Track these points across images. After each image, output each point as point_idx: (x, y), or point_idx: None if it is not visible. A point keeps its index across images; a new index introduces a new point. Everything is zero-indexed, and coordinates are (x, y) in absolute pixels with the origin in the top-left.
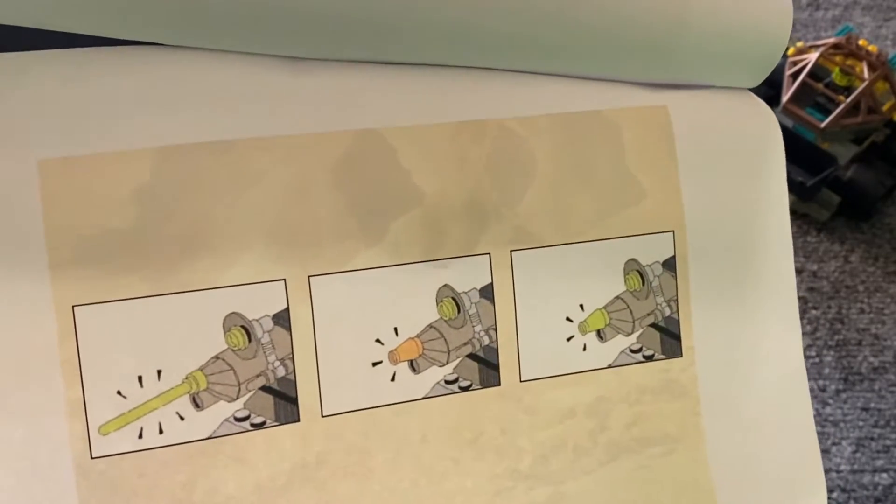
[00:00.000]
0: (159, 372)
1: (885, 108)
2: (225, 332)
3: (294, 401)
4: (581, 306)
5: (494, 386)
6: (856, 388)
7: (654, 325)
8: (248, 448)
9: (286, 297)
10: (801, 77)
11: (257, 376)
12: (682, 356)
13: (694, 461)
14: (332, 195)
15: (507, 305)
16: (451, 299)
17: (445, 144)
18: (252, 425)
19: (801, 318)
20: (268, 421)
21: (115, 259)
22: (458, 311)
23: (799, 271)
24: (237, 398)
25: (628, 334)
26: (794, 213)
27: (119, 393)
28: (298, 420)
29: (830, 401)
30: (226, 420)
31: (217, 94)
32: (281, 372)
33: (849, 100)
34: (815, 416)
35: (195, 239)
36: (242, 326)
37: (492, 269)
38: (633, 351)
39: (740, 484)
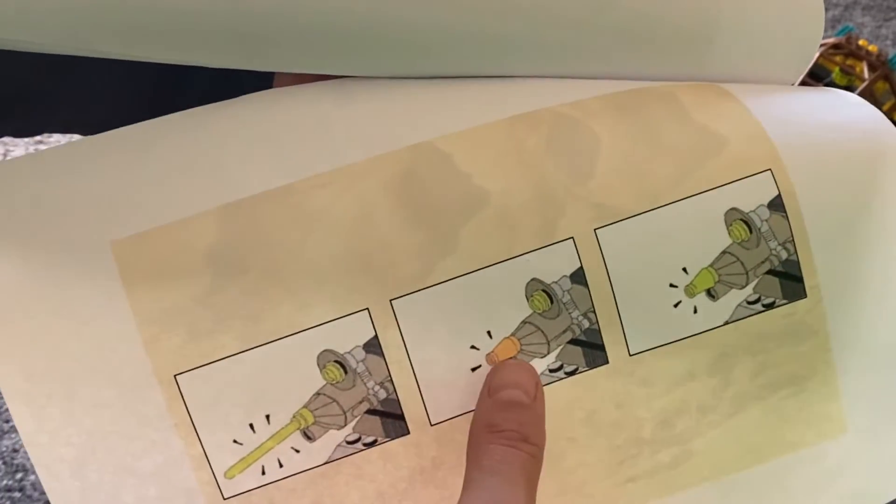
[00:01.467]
0: (268, 416)
1: (885, 108)
2: (321, 369)
3: (401, 417)
4: (685, 269)
5: (602, 365)
6: None
7: (771, 272)
8: (364, 465)
9: (372, 324)
10: (800, 77)
11: (360, 402)
12: (806, 297)
13: (825, 396)
14: (397, 215)
15: (602, 286)
16: (541, 292)
17: (501, 141)
18: (364, 445)
19: None
20: (379, 439)
21: (202, 322)
22: (552, 302)
23: None
24: (345, 425)
25: (742, 287)
26: None
27: (235, 441)
28: (408, 433)
29: None
30: (338, 445)
31: (265, 140)
32: (382, 395)
33: None
34: None
35: (273, 287)
36: (336, 361)
37: (578, 253)
38: (750, 303)
39: (872, 410)
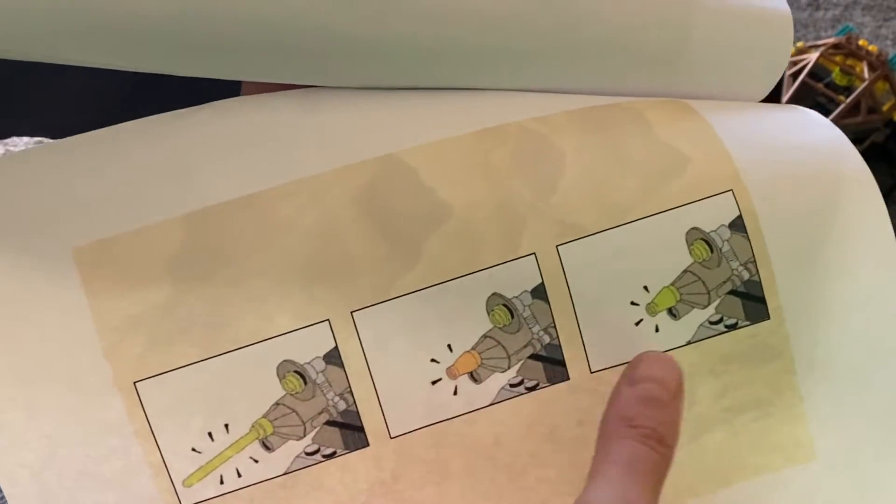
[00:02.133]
0: (227, 425)
1: (885, 108)
2: (281, 380)
3: (360, 429)
4: (646, 287)
5: (563, 381)
6: None
7: (733, 293)
8: (323, 476)
9: (333, 336)
10: (801, 77)
11: (319, 413)
12: (769, 318)
13: (790, 420)
14: (361, 227)
15: (563, 302)
16: (502, 306)
17: (466, 154)
18: (323, 456)
19: None
20: (338, 450)
21: (163, 330)
22: (512, 317)
23: None
24: (304, 436)
25: (704, 307)
26: None
27: (194, 449)
28: (368, 445)
29: None
30: (297, 456)
31: (231, 148)
32: (342, 406)
33: (849, 100)
34: None
35: (235, 297)
36: (296, 371)
37: (540, 268)
38: (712, 323)
39: (840, 434)
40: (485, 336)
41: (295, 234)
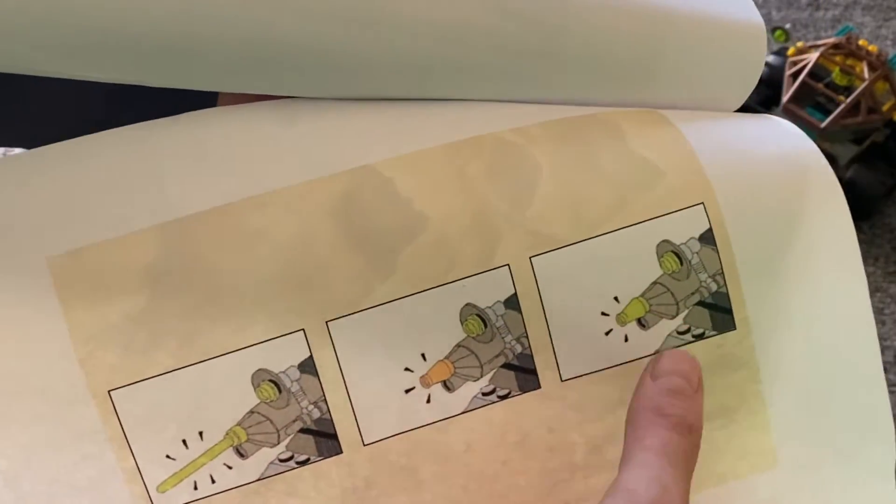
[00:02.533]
0: (201, 433)
1: (885, 108)
2: (255, 388)
3: (334, 436)
4: (616, 298)
5: (534, 390)
6: None
7: (701, 304)
8: (297, 483)
9: (307, 345)
10: (801, 77)
11: (294, 421)
12: (735, 329)
13: (755, 428)
14: (337, 238)
15: (535, 312)
16: (475, 316)
17: (442, 166)
18: (297, 463)
19: None
20: (311, 457)
21: (138, 339)
22: (486, 327)
23: None
24: (278, 443)
25: (673, 317)
26: None
27: (168, 456)
28: (341, 452)
29: None
30: (271, 463)
31: (206, 158)
32: (316, 414)
33: (849, 100)
34: None
35: (209, 306)
36: (271, 380)
37: (513, 279)
38: (680, 333)
39: (802, 442)
40: (458, 345)
41: (270, 245)
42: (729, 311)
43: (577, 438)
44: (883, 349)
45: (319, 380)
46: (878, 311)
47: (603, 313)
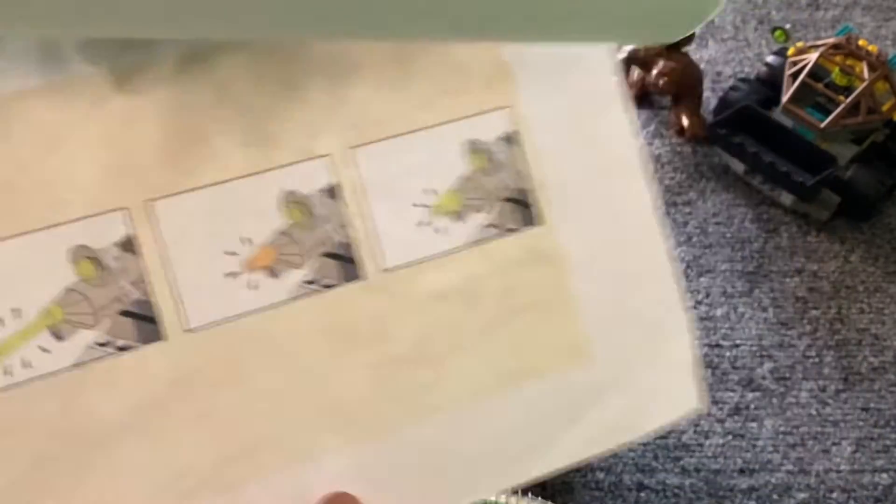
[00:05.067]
0: (16, 311)
1: (885, 108)
2: (74, 265)
3: (153, 320)
4: (435, 191)
5: (357, 280)
6: (856, 388)
7: (509, 199)
8: (117, 372)
9: (128, 224)
10: (801, 77)
11: (112, 302)
12: (543, 224)
13: (565, 321)
14: (160, 120)
15: (360, 202)
16: (294, 203)
17: None
18: (117, 348)
19: (801, 319)
20: (132, 343)
21: None
22: (311, 215)
23: (799, 271)
24: (95, 325)
25: (487, 211)
26: (794, 213)
27: None
28: (163, 339)
29: (830, 401)
30: (89, 347)
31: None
32: (135, 295)
33: (849, 100)
34: (815, 416)
35: (25, 180)
36: (90, 257)
37: (334, 168)
38: (492, 226)
39: (611, 335)
40: (281, 233)
41: (92, 122)
42: (529, 206)
43: (400, 331)
44: (883, 349)
45: (139, 259)
46: (879, 311)
47: (422, 204)
